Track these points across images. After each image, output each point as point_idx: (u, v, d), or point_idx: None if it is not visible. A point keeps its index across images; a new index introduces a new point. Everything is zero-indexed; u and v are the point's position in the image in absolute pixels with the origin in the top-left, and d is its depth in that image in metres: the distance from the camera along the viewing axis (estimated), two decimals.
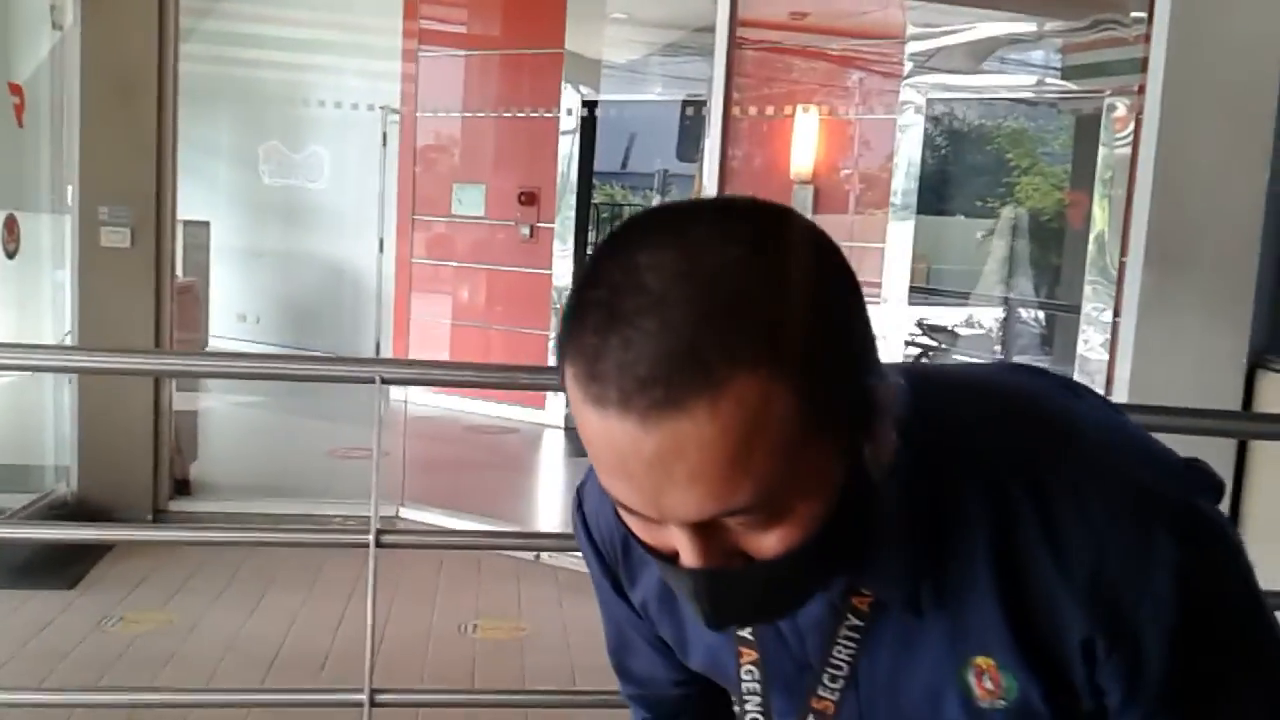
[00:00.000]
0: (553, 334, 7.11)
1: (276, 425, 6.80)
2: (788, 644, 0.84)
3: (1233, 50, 3.50)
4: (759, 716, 0.87)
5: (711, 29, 7.04)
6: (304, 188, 8.93)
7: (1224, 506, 0.74)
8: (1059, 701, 0.76)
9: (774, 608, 0.76)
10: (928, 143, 7.07)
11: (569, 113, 6.99)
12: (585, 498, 0.93)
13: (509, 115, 7.09)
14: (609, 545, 0.92)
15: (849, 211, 7.33)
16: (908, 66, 6.42)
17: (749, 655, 0.86)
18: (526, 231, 6.99)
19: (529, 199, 6.97)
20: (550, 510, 5.76)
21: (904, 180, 6.41)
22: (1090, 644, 0.73)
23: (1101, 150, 5.72)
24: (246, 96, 8.72)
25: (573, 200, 7.15)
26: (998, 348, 7.23)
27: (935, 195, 9.40)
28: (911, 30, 6.57)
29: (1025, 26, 6.71)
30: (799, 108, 6.78)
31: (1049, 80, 7.16)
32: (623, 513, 0.69)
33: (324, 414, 6.85)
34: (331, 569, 4.28)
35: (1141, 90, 4.02)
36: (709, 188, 4.61)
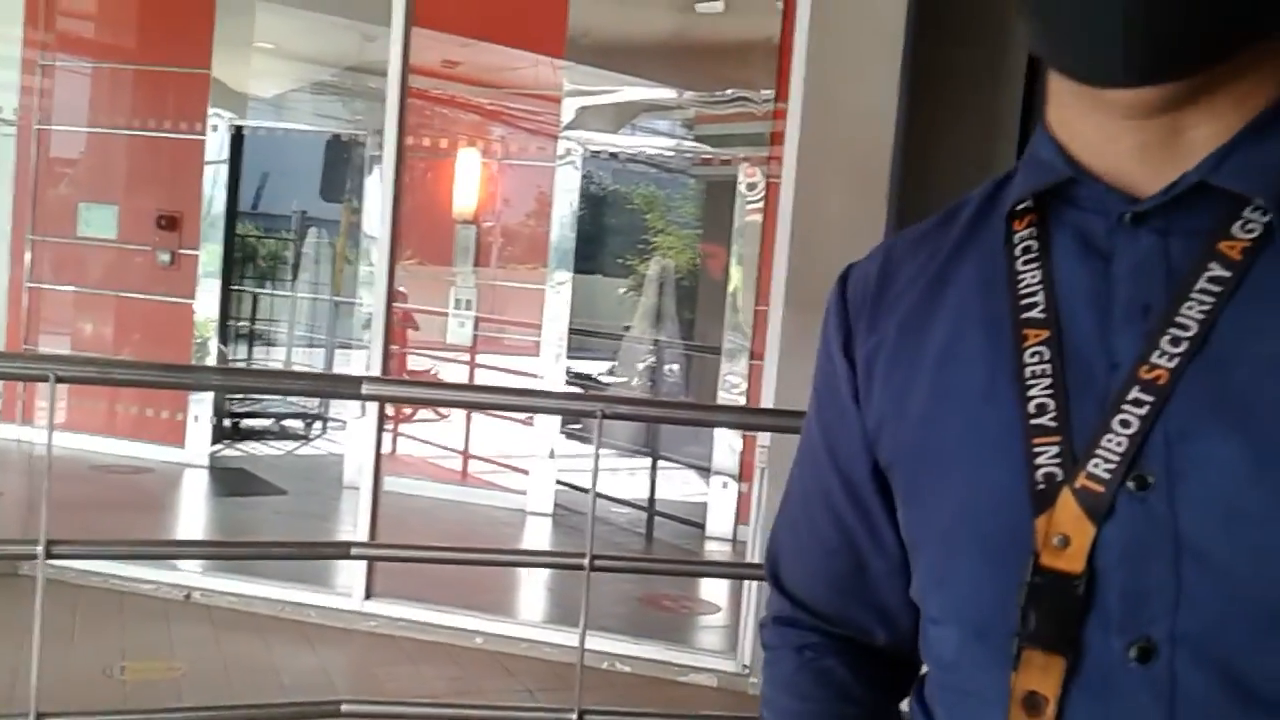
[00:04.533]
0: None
1: None
2: (1094, 324, 0.68)
3: (854, 119, 4.06)
4: (1047, 401, 0.67)
5: (360, 69, 7.09)
6: None
7: None
8: None
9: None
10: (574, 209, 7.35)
11: (215, 129, 6.67)
12: (853, 266, 0.84)
13: (149, 134, 6.66)
14: (862, 290, 0.81)
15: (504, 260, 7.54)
16: (564, 120, 6.74)
17: (1037, 335, 0.69)
18: (167, 258, 6.55)
19: (170, 223, 6.55)
20: None
21: (560, 234, 6.67)
22: None
23: (736, 214, 6.32)
24: None
25: (219, 227, 6.80)
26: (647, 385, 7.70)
27: (579, 255, 9.85)
28: (567, 88, 6.92)
29: (666, 93, 7.27)
30: (460, 153, 6.94)
31: (687, 144, 7.78)
32: None
33: None
34: None
35: (772, 160, 4.54)
36: (380, 226, 4.60)
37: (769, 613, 0.89)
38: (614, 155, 7.82)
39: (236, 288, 8.66)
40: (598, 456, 2.39)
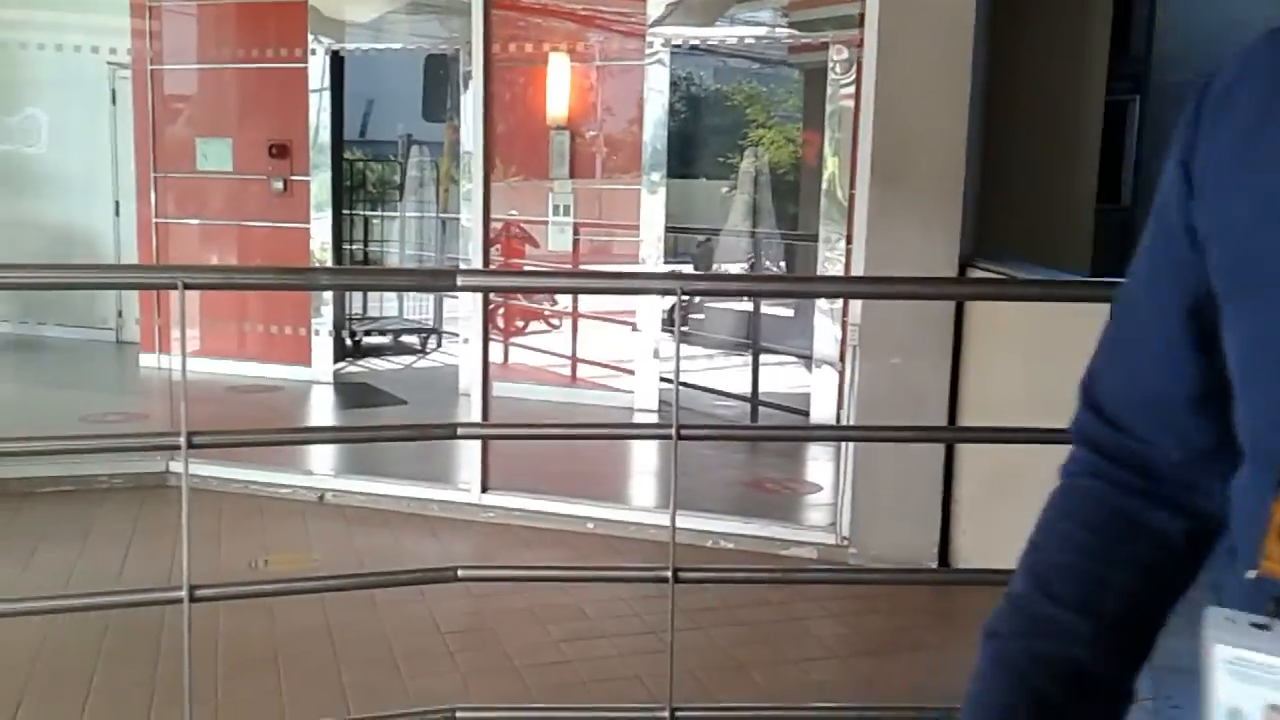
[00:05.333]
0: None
1: (14, 397, 6.38)
2: None
3: None
4: None
5: None
6: (20, 153, 8.32)
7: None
8: None
9: None
10: (670, 110, 7.31)
11: (313, 53, 6.86)
12: (1216, 74, 0.76)
13: (254, 66, 6.91)
14: (1215, 96, 0.74)
15: (601, 167, 7.60)
16: (652, 17, 6.70)
17: None
18: (280, 185, 6.84)
19: (281, 152, 6.83)
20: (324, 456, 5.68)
21: (654, 134, 6.68)
22: None
23: (828, 104, 6.23)
24: None
25: (327, 153, 7.05)
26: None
27: (679, 159, 9.77)
28: None
29: None
30: (550, 58, 6.99)
31: (779, 30, 7.65)
32: None
33: (63, 383, 6.63)
34: (104, 521, 4.17)
35: (860, 43, 4.48)
36: (473, 137, 4.75)
37: (1074, 428, 0.85)
38: (697, 48, 7.73)
39: (348, 211, 8.96)
40: (678, 330, 2.48)
